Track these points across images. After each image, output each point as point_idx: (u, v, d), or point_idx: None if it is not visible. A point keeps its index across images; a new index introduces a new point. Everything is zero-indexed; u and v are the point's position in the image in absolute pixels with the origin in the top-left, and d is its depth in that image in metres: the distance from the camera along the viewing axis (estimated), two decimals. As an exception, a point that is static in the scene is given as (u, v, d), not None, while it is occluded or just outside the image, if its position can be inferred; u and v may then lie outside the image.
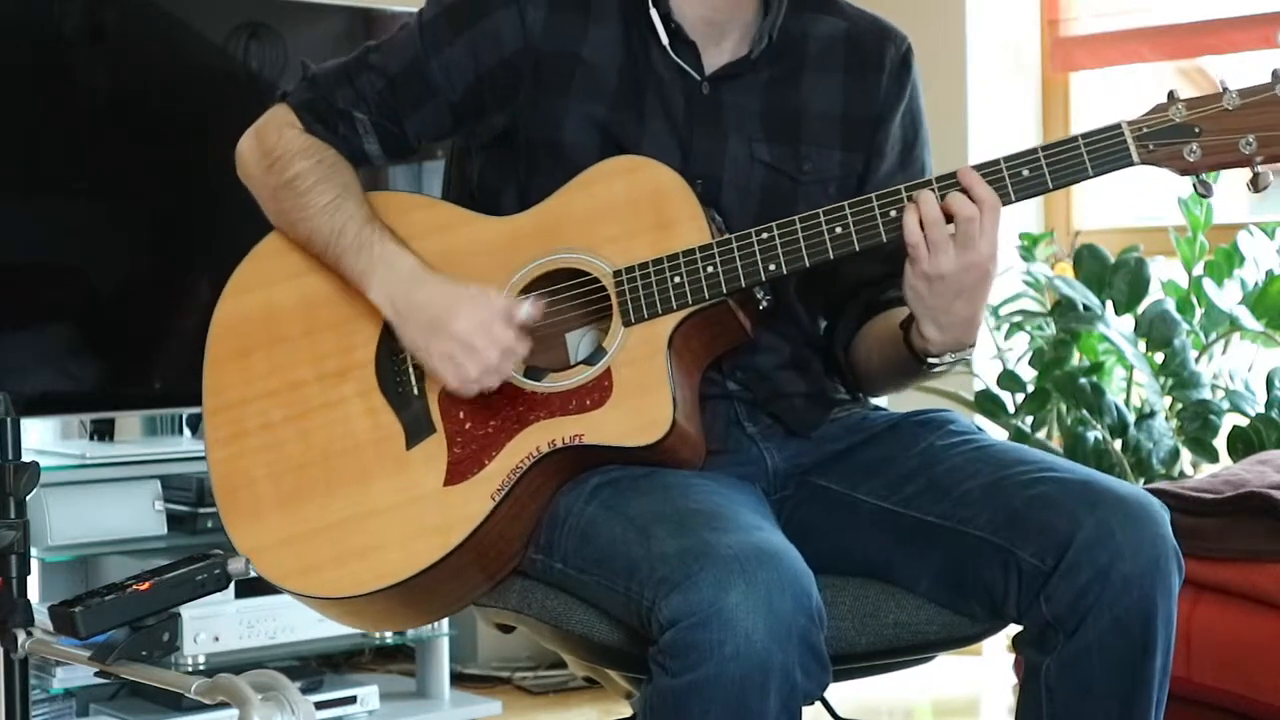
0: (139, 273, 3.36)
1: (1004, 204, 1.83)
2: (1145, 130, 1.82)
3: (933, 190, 1.84)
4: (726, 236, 1.89)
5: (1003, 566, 1.82)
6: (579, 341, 1.96)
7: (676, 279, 1.89)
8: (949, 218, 1.82)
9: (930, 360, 1.92)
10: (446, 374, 1.88)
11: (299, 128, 2.03)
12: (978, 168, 1.84)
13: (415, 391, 1.94)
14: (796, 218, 1.88)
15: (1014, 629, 1.91)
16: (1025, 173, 1.83)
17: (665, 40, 1.99)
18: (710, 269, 1.88)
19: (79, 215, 3.27)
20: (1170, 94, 1.83)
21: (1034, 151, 1.83)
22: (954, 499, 1.87)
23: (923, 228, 1.82)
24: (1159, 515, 1.82)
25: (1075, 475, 1.85)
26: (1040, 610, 1.80)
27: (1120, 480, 1.87)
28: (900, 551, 1.91)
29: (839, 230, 1.86)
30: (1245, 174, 1.83)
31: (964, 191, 1.82)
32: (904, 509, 1.91)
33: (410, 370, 1.95)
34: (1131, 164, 1.82)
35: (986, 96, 4.18)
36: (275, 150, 2.01)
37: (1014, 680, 3.57)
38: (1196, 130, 1.81)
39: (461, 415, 1.91)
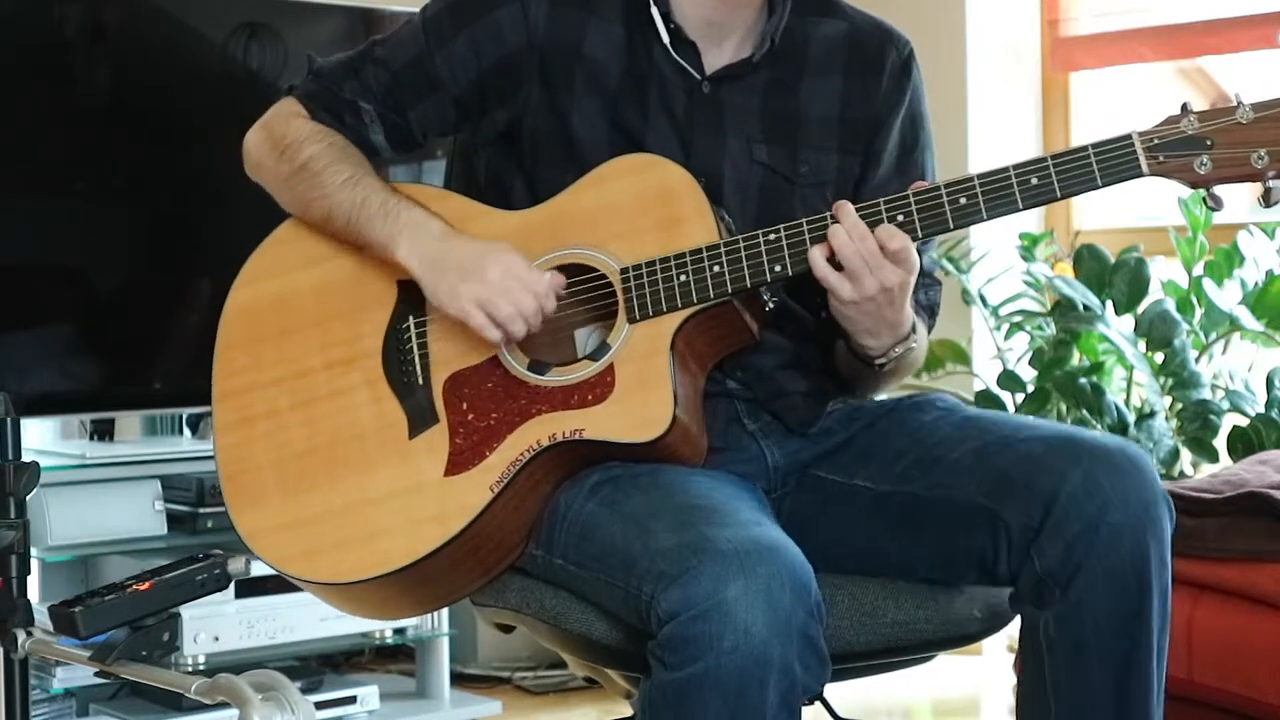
0: (139, 273, 3.36)
1: (1012, 212, 1.84)
2: (1156, 141, 1.80)
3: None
4: (734, 237, 1.90)
5: (990, 528, 1.84)
6: (586, 339, 1.97)
7: (683, 277, 1.89)
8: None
9: (878, 362, 1.94)
10: (476, 316, 1.88)
11: (306, 116, 2.04)
12: (986, 174, 1.84)
13: (420, 381, 1.95)
14: (803, 220, 1.88)
15: (1014, 629, 1.91)
16: (1034, 180, 1.83)
17: (666, 39, 2.00)
18: (716, 268, 1.89)
19: (79, 215, 3.27)
20: (1183, 106, 1.81)
21: (1043, 160, 1.83)
22: (943, 468, 1.89)
23: (835, 261, 1.84)
24: (1144, 463, 1.83)
25: (1058, 431, 1.87)
26: (1032, 566, 1.81)
27: (1103, 433, 1.88)
28: (895, 538, 1.92)
29: None
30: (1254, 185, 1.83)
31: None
32: (896, 488, 1.92)
33: (416, 360, 1.96)
34: (1141, 175, 1.81)
35: (986, 96, 4.18)
36: (285, 139, 2.02)
37: (1014, 680, 3.57)
38: (1208, 143, 1.79)
39: (464, 406, 1.92)
